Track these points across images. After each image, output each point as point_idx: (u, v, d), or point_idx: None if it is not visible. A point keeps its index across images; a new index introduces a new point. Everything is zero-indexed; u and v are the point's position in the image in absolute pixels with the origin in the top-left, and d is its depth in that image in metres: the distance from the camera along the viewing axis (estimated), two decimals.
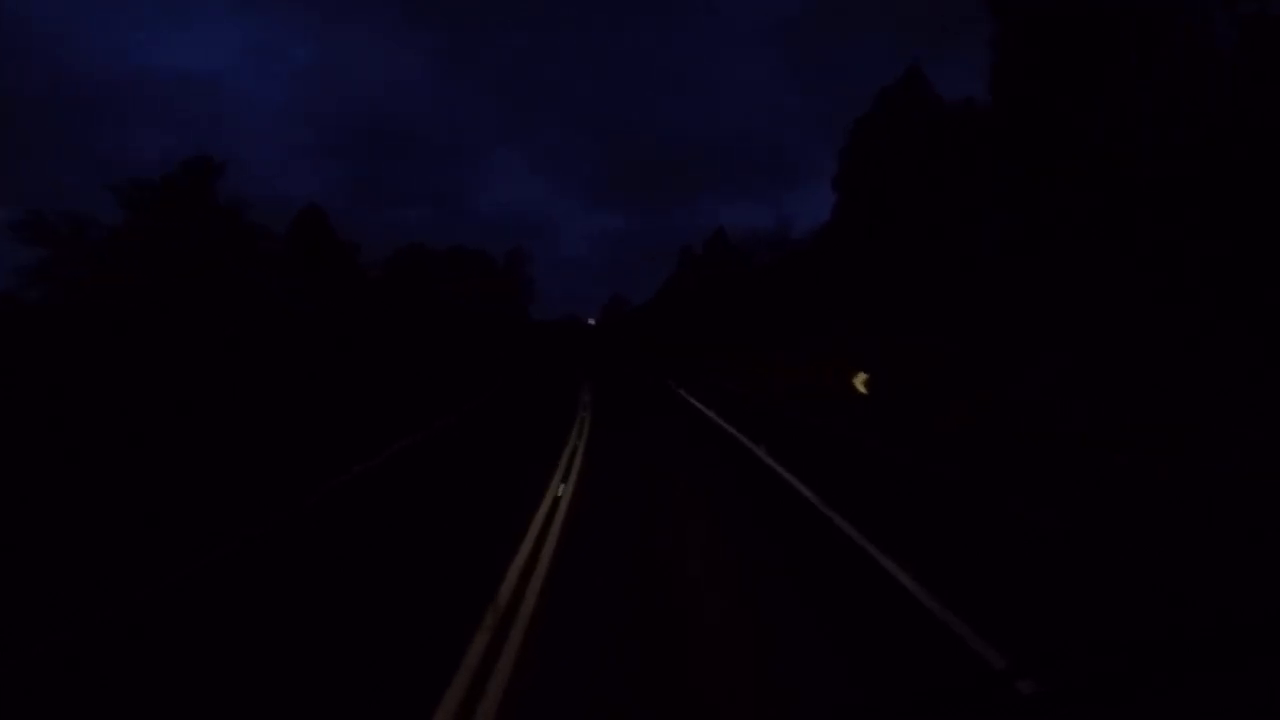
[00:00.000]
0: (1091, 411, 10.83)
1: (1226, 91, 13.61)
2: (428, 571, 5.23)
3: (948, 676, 3.45)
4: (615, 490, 8.00)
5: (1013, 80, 18.74)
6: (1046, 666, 1.25)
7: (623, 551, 5.66)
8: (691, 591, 4.68)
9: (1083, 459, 9.39)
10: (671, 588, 4.76)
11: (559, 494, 7.63)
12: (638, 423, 14.93)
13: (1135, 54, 15.24)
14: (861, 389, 17.91)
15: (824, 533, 6.21)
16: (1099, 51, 16.00)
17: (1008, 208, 19.83)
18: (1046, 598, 4.54)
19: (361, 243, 41.27)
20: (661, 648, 3.79)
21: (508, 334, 60.23)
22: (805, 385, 22.55)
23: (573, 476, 8.66)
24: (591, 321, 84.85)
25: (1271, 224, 11.59)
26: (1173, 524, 6.29)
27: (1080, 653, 1.13)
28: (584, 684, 3.43)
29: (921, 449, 10.67)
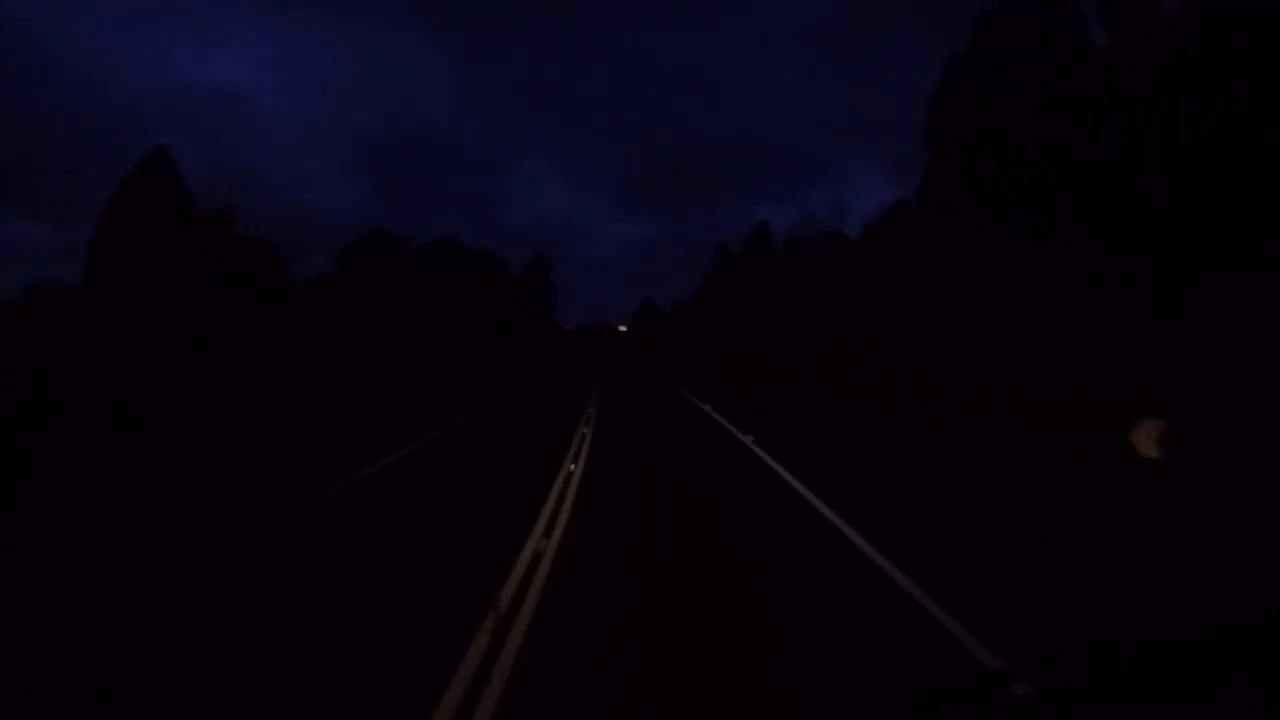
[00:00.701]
0: (1091, 411, 10.83)
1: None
2: (427, 569, 5.22)
3: (946, 677, 3.45)
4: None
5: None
6: (1045, 667, 1.24)
7: (623, 551, 5.67)
8: (691, 591, 4.69)
9: (1082, 458, 9.39)
10: (672, 588, 4.76)
11: (565, 488, 7.63)
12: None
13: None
14: (1153, 451, 9.11)
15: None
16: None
17: (1027, 203, 19.35)
18: (1046, 598, 4.54)
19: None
20: (661, 648, 3.79)
21: (520, 340, 55.49)
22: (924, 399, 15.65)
23: (572, 490, 8.65)
24: (623, 328, 78.11)
25: (1271, 225, 11.58)
26: (1172, 524, 6.28)
27: (1079, 653, 1.13)
28: (584, 683, 3.43)
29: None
